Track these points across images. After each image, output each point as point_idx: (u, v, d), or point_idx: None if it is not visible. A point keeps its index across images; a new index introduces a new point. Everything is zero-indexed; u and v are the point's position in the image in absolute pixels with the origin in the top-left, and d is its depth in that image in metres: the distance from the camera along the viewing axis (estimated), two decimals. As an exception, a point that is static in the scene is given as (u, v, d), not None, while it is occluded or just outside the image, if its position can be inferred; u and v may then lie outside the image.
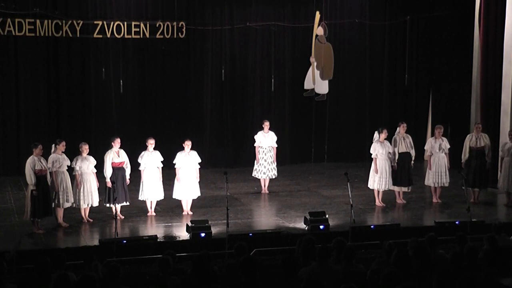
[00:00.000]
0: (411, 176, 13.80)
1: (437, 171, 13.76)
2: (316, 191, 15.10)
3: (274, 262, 8.63)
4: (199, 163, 12.94)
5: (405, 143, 13.64)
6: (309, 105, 18.76)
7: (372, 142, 13.75)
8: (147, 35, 16.93)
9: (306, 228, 11.74)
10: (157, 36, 16.99)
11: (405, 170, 13.63)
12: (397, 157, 13.57)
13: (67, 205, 11.94)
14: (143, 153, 12.71)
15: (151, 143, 12.73)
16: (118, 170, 12.33)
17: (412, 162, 13.76)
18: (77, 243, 10.96)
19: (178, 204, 13.02)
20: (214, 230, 11.28)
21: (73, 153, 12.28)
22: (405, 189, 13.81)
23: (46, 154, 11.89)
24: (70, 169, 12.09)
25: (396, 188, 13.77)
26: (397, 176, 13.62)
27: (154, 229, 11.84)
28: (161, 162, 12.75)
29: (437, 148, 13.76)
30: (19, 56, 16.40)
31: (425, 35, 19.12)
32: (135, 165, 12.73)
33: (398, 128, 13.81)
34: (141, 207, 12.94)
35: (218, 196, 14.15)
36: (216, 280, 7.06)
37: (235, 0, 17.83)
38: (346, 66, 18.92)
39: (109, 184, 12.12)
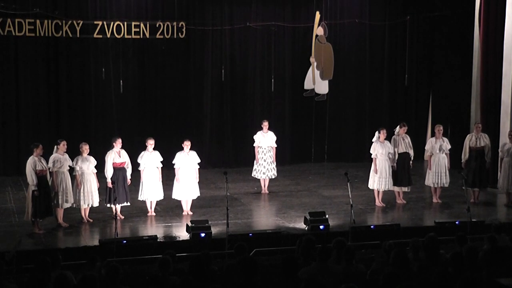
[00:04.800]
0: (410, 176, 13.80)
1: (437, 171, 13.76)
2: (316, 191, 15.10)
3: (274, 262, 8.61)
4: (198, 163, 12.94)
5: (404, 143, 13.65)
6: (309, 105, 18.77)
7: (372, 142, 13.74)
8: (147, 35, 16.93)
9: (306, 228, 11.73)
10: (157, 36, 16.99)
11: (405, 170, 13.63)
12: (396, 157, 13.57)
13: (66, 205, 11.93)
14: (142, 153, 12.71)
15: (150, 143, 12.73)
16: (119, 170, 12.33)
17: (411, 162, 13.77)
18: (77, 243, 10.96)
19: (178, 204, 13.02)
20: (214, 230, 11.28)
21: (73, 153, 12.28)
22: (405, 189, 13.81)
23: (47, 155, 11.89)
24: (71, 169, 12.08)
25: (396, 189, 13.77)
26: (397, 177, 13.62)
27: (154, 229, 11.84)
28: (161, 162, 12.76)
29: (437, 149, 13.75)
30: (19, 56, 16.40)
31: (425, 35, 19.12)
32: (134, 165, 12.73)
33: (398, 129, 13.78)
34: (141, 207, 12.94)
35: (218, 196, 14.15)
36: (216, 280, 7.06)
37: (235, 0, 17.83)
38: (346, 66, 18.92)
39: (110, 185, 12.12)
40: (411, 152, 13.71)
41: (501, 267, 7.07)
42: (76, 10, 16.52)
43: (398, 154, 13.59)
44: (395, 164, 13.55)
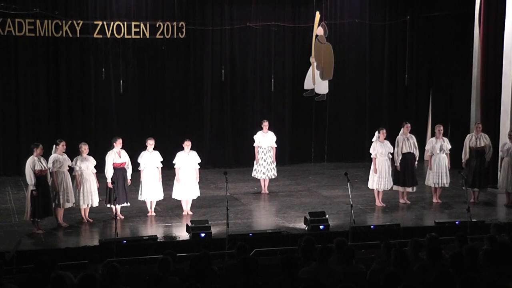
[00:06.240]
0: (415, 177, 13.75)
1: (438, 171, 13.75)
2: (316, 191, 15.10)
3: (274, 262, 8.61)
4: (198, 163, 12.94)
5: (408, 143, 13.60)
6: (309, 105, 18.77)
7: (372, 142, 13.72)
8: (147, 35, 16.91)
9: (306, 228, 11.73)
10: (157, 36, 16.98)
11: (409, 170, 13.59)
12: (400, 157, 13.55)
13: (68, 205, 11.93)
14: (142, 153, 12.70)
15: (150, 143, 12.72)
16: (119, 170, 12.32)
17: (416, 162, 13.73)
18: (77, 243, 10.95)
19: (178, 204, 13.02)
20: (214, 230, 11.28)
21: (73, 153, 12.29)
22: (409, 189, 13.77)
23: (47, 155, 11.89)
24: (70, 169, 12.08)
25: (400, 189, 13.75)
26: (401, 177, 13.60)
27: (154, 229, 11.84)
28: (161, 162, 12.75)
29: (437, 149, 13.74)
30: (19, 56, 16.40)
31: (425, 35, 19.12)
32: (134, 165, 12.73)
33: (402, 129, 13.76)
34: (141, 207, 12.94)
35: (218, 196, 14.15)
36: (216, 280, 7.06)
37: (235, 0, 17.83)
38: (346, 66, 18.93)
39: (110, 185, 12.11)
40: (416, 153, 13.68)
41: (501, 267, 7.06)
42: (76, 10, 16.52)
43: (402, 154, 13.56)
44: (398, 164, 13.54)
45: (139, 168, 12.68)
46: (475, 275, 6.10)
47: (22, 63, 16.45)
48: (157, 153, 12.75)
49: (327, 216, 11.90)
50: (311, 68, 18.61)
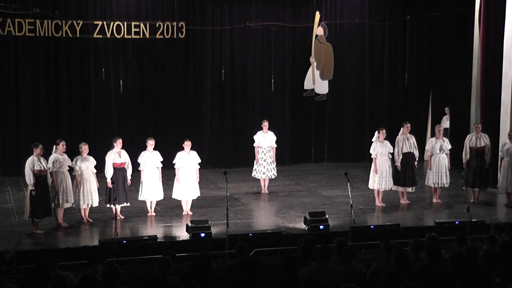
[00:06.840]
0: (415, 177, 13.76)
1: (438, 171, 13.75)
2: (316, 191, 15.10)
3: (274, 262, 8.62)
4: (198, 163, 12.94)
5: (408, 143, 13.60)
6: (309, 105, 18.77)
7: (372, 142, 13.72)
8: (147, 35, 16.91)
9: (306, 228, 11.73)
10: (157, 36, 16.98)
11: (409, 170, 13.59)
12: (401, 157, 13.54)
13: (67, 205, 11.93)
14: (142, 153, 12.71)
15: (150, 143, 12.73)
16: (119, 170, 12.33)
17: (416, 162, 13.73)
18: (77, 243, 10.95)
19: (178, 204, 13.02)
20: (214, 230, 11.28)
21: (73, 153, 12.29)
22: (409, 189, 13.76)
23: (47, 155, 11.89)
24: (70, 169, 12.08)
25: (400, 189, 13.74)
26: (401, 177, 13.59)
27: (154, 229, 11.84)
28: (161, 162, 12.76)
29: (437, 149, 13.75)
30: (19, 56, 16.40)
31: (425, 35, 19.12)
32: (134, 165, 12.73)
33: (401, 129, 13.76)
34: (141, 207, 12.94)
35: (218, 196, 14.15)
36: (216, 280, 7.06)
37: (235, 0, 17.84)
38: (346, 66, 18.93)
39: (110, 185, 12.11)
40: (416, 153, 13.67)
41: (501, 267, 7.06)
42: (76, 10, 16.52)
43: (403, 154, 13.55)
44: (399, 164, 13.53)
45: (139, 168, 12.68)
46: (475, 275, 6.10)
47: (22, 63, 16.46)
48: (157, 153, 12.75)
49: (327, 216, 11.90)
50: (311, 68, 18.61)
